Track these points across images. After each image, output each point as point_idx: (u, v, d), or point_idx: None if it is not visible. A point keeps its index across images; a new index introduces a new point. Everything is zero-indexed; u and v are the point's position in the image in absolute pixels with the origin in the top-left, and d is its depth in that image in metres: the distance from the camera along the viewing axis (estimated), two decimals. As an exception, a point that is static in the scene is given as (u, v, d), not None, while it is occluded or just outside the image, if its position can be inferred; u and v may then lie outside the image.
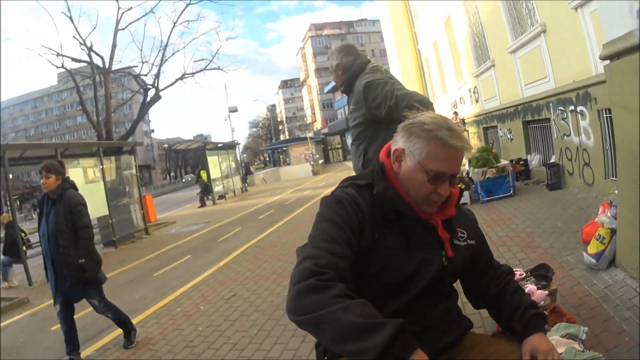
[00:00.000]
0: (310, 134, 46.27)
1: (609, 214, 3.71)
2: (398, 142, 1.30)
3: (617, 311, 2.63)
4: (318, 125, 68.40)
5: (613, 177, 5.47)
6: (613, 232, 3.44)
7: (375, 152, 2.61)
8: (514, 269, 1.68)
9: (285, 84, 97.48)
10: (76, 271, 3.55)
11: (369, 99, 2.59)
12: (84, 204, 3.75)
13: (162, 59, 16.71)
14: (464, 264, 1.38)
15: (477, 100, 11.95)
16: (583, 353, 1.44)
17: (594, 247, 3.49)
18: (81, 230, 3.66)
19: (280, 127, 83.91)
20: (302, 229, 8.13)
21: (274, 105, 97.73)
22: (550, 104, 7.01)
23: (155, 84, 16.67)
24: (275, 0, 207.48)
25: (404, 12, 21.04)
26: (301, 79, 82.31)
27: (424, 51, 19.40)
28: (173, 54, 19.15)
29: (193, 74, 18.34)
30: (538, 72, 7.42)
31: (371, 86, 2.58)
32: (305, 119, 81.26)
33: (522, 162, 8.42)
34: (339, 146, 46.59)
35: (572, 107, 6.27)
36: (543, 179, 7.48)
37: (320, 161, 34.51)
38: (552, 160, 7.36)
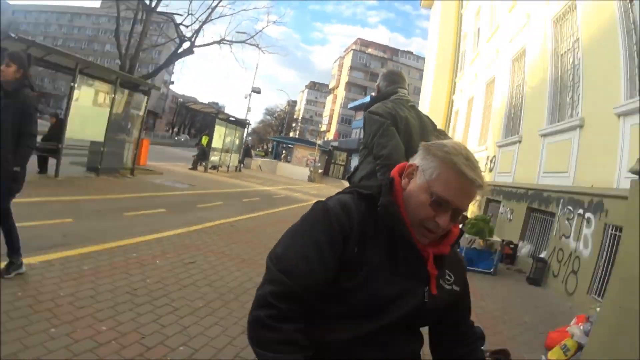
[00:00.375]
0: (319, 142, 46.21)
1: (582, 327, 3.64)
2: (415, 158, 1.25)
3: None
4: (330, 136, 68.47)
5: (595, 294, 5.36)
6: (580, 347, 3.37)
7: (361, 172, 2.88)
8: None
9: (313, 86, 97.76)
10: (7, 178, 3.21)
11: (365, 127, 2.88)
12: (37, 110, 3.48)
13: (207, 17, 16.73)
14: (443, 307, 1.29)
15: (491, 170, 11.91)
16: None
17: (555, 355, 3.43)
18: (27, 136, 3.31)
19: (293, 125, 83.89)
20: (281, 225, 7.98)
21: (295, 102, 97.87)
22: (561, 200, 6.94)
23: (193, 39, 16.65)
24: (332, 1, 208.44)
25: (450, 60, 21.13)
26: (330, 87, 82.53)
27: (457, 103, 19.48)
28: (219, 16, 19.06)
29: (231, 42, 18.34)
30: (560, 164, 7.37)
31: (366, 117, 2.86)
32: (320, 125, 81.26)
33: (512, 246, 8.30)
34: (342, 163, 46.38)
35: (580, 211, 6.21)
36: (526, 270, 7.34)
37: (320, 171, 34.43)
38: (542, 255, 7.26)
